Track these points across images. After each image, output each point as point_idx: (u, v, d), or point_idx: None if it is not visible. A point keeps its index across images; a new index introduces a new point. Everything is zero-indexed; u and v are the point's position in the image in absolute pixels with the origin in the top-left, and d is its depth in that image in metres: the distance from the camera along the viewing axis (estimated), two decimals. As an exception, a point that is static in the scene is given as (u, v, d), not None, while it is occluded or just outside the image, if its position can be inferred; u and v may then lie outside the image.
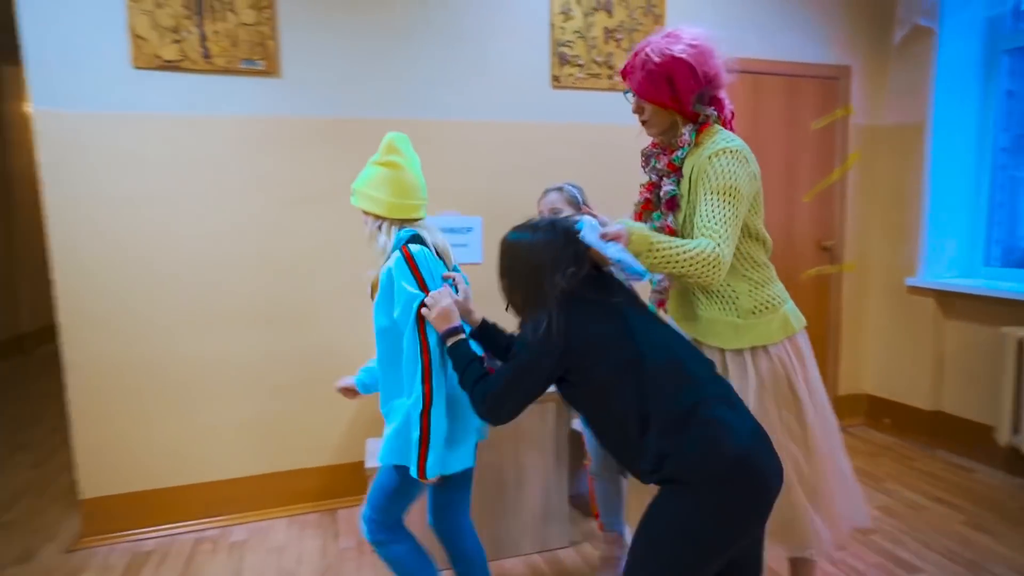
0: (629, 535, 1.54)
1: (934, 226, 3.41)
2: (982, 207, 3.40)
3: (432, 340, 1.55)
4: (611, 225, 1.43)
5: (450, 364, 1.55)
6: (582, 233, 1.38)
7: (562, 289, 1.33)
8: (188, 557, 2.45)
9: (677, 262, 1.43)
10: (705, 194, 1.50)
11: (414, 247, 1.59)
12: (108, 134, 2.46)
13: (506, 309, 1.50)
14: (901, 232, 3.55)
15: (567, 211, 2.24)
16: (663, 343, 1.34)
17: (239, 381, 2.69)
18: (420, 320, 1.54)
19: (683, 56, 1.51)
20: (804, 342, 1.66)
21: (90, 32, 2.40)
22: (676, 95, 1.54)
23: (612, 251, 1.35)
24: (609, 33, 3.05)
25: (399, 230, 1.64)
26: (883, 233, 3.67)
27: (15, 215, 5.71)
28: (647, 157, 1.72)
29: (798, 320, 1.65)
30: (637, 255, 1.41)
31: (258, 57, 2.58)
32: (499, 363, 1.63)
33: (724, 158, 1.50)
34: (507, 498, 2.39)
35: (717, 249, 1.43)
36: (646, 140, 1.75)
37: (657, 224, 1.65)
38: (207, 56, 2.52)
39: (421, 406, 1.52)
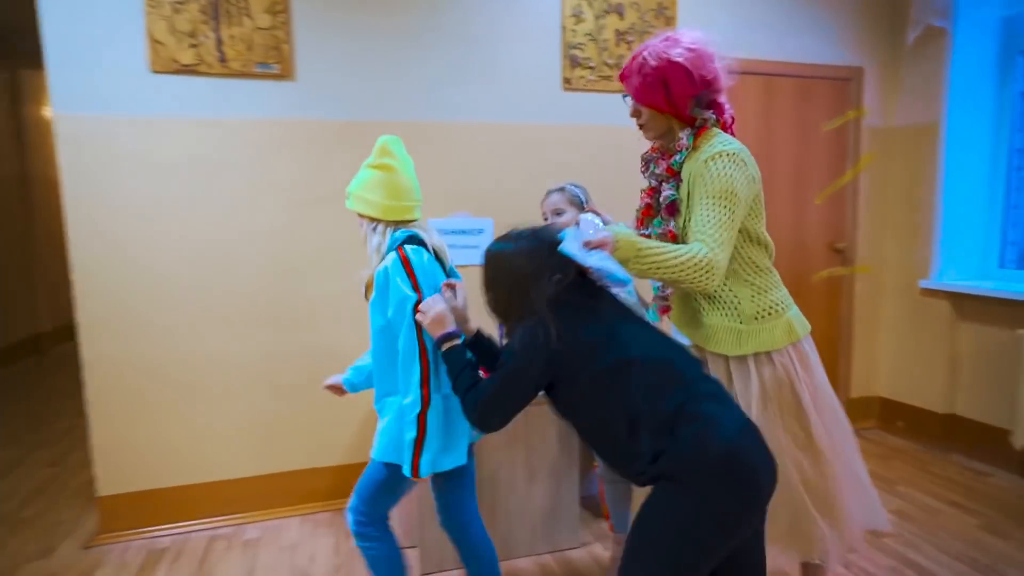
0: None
1: (948, 228, 3.38)
2: (997, 208, 3.37)
3: (429, 343, 1.58)
4: (600, 232, 1.42)
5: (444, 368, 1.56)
6: (563, 244, 1.37)
7: (548, 296, 1.33)
8: (202, 555, 2.48)
9: (667, 268, 1.41)
10: (701, 198, 1.49)
11: (410, 248, 1.63)
12: (126, 137, 2.50)
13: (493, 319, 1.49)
14: (914, 234, 3.53)
15: (570, 211, 2.24)
16: (650, 345, 1.34)
17: (250, 382, 2.72)
18: (418, 323, 1.57)
19: (679, 60, 1.50)
20: (810, 348, 1.64)
21: (109, 37, 2.44)
22: (671, 99, 1.54)
23: (593, 260, 1.34)
24: (620, 35, 3.06)
25: (395, 231, 1.67)
26: (896, 235, 3.64)
27: (33, 217, 5.80)
28: (647, 162, 1.71)
29: (802, 326, 1.63)
30: (624, 262, 1.40)
31: (273, 61, 2.62)
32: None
33: (720, 161, 1.49)
34: (519, 499, 2.40)
35: (709, 254, 1.42)
36: (647, 144, 1.74)
37: (659, 230, 1.64)
38: (223, 60, 2.56)
39: (419, 408, 1.55)
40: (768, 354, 1.56)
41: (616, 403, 1.27)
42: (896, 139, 3.60)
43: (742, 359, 1.57)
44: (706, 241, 1.44)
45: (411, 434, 1.56)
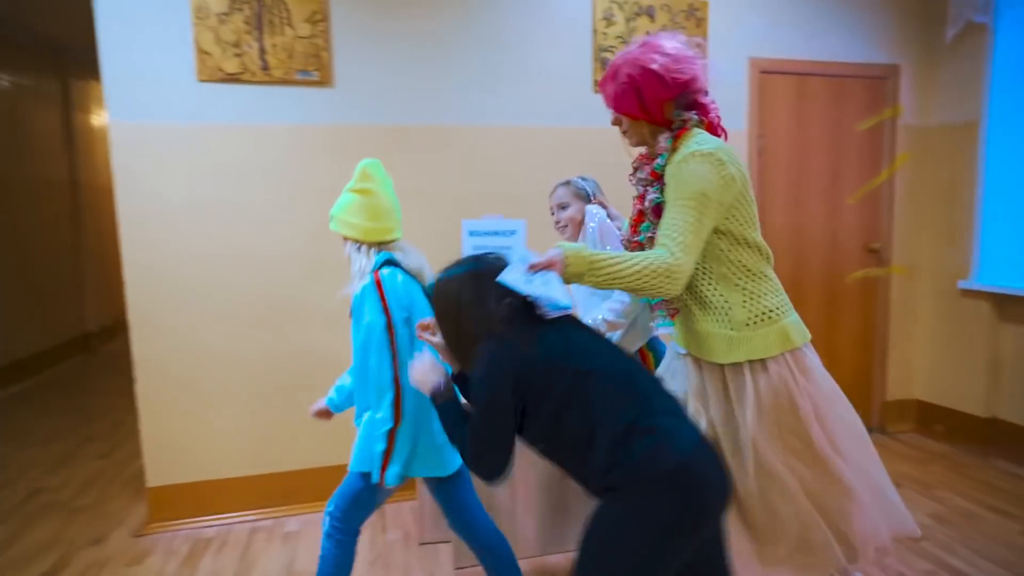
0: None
1: (989, 227, 3.31)
2: (1041, 208, 3.29)
3: (403, 365, 1.65)
4: (547, 252, 1.38)
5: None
6: (501, 275, 1.32)
7: (499, 318, 1.31)
8: (245, 545, 2.58)
9: (624, 278, 1.37)
10: (670, 201, 1.47)
11: (386, 271, 1.71)
12: (174, 143, 2.62)
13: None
14: (953, 234, 3.46)
15: (575, 205, 2.24)
16: (608, 359, 1.32)
17: (290, 381, 2.81)
18: (392, 346, 1.67)
19: (652, 66, 1.49)
20: (811, 357, 1.57)
21: (160, 48, 2.56)
22: (644, 105, 1.54)
23: (533, 288, 1.30)
24: (651, 37, 3.08)
25: (377, 252, 1.77)
26: (933, 235, 3.58)
27: (82, 222, 6.04)
28: (635, 168, 1.70)
29: (801, 334, 1.56)
30: (578, 277, 1.37)
31: (313, 68, 2.71)
32: None
33: (691, 163, 1.46)
34: (554, 496, 2.43)
35: (670, 259, 1.38)
36: (641, 150, 1.72)
37: (648, 234, 1.61)
38: (265, 68, 2.66)
39: (390, 425, 1.67)
40: (763, 362, 1.50)
41: (577, 417, 1.26)
42: (933, 138, 3.54)
43: (737, 367, 1.52)
44: (668, 245, 1.41)
45: (380, 446, 1.68)
